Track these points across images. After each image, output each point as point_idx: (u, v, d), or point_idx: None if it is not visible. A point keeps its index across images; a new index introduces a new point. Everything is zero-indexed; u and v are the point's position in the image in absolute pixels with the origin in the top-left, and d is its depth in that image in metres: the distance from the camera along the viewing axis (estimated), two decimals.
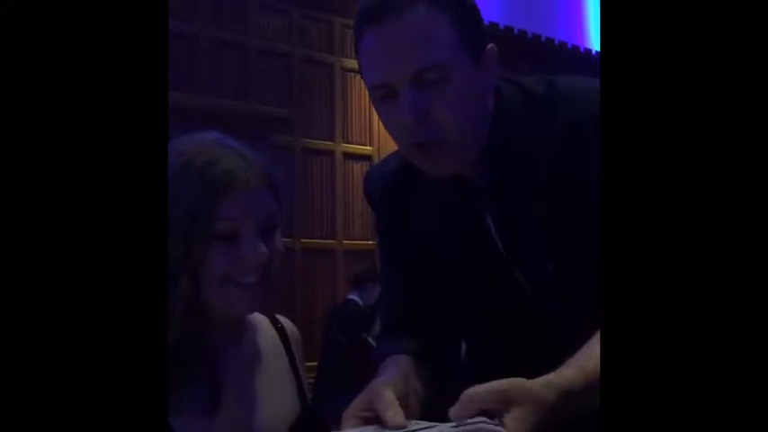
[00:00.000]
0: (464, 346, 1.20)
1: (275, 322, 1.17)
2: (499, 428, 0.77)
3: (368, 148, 6.17)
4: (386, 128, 1.02)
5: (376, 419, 0.86)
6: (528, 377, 0.81)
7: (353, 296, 4.87)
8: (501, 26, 6.89)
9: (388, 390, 0.89)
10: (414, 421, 0.85)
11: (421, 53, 0.93)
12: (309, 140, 5.94)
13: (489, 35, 1.02)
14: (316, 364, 4.55)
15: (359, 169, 6.02)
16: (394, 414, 0.84)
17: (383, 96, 0.97)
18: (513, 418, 0.77)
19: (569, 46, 7.67)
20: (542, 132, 1.00)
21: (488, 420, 0.78)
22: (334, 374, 4.36)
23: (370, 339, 4.40)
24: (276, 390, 1.10)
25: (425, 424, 0.83)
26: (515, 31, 7.15)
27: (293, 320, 1.22)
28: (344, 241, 6.06)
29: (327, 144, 6.06)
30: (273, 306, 1.08)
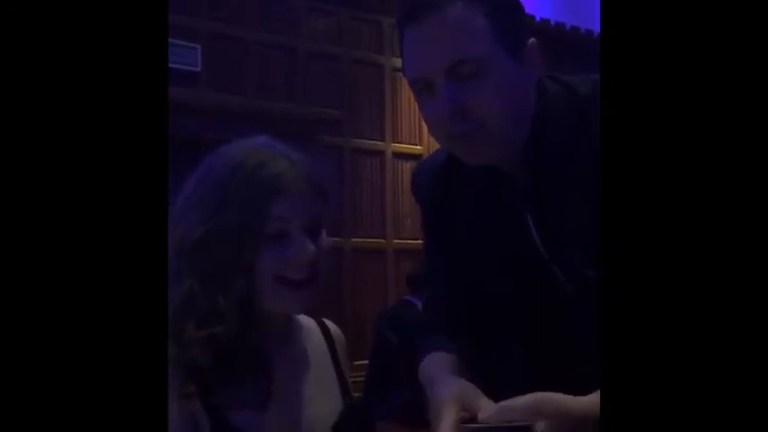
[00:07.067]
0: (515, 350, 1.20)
1: (322, 325, 1.21)
2: None
3: (417, 147, 6.16)
4: (425, 121, 1.04)
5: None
6: (565, 378, 0.82)
7: (411, 297, 4.85)
8: (537, 19, 6.78)
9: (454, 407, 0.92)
10: None
11: (455, 47, 0.96)
12: (359, 141, 5.97)
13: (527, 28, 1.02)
14: (367, 362, 4.57)
15: (409, 169, 6.01)
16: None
17: (421, 90, 1.00)
18: (542, 429, 0.80)
19: None
20: (585, 132, 1.00)
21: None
22: (385, 372, 4.37)
23: None
24: (322, 389, 1.13)
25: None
26: (552, 23, 7.04)
27: (344, 319, 1.25)
28: (394, 241, 6.07)
29: (377, 144, 6.08)
30: (323, 305, 1.11)
